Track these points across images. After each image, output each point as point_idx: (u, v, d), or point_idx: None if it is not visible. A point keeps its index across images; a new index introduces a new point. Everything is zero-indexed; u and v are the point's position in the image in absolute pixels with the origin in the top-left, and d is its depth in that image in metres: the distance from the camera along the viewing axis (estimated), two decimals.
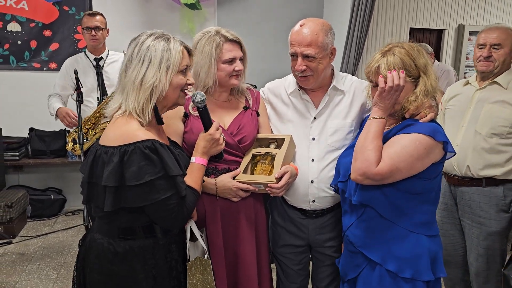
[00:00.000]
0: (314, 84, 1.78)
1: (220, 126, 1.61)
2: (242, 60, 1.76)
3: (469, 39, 5.10)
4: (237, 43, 1.74)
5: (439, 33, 5.08)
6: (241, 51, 1.75)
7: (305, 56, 1.70)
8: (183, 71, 1.44)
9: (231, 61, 1.71)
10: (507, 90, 2.20)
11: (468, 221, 2.32)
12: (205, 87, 1.72)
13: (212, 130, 1.56)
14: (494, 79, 2.26)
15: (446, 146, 1.52)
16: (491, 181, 2.23)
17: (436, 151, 1.50)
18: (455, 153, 1.54)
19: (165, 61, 1.38)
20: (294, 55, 1.74)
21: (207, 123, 1.58)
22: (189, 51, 1.47)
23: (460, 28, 5.05)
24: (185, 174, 1.46)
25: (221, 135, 1.58)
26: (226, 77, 1.72)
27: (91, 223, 2.49)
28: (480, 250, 2.28)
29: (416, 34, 4.99)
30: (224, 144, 1.60)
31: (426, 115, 1.54)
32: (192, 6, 4.32)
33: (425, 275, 1.52)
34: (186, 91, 1.50)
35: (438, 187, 1.61)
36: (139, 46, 1.39)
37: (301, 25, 1.72)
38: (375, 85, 1.58)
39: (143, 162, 1.31)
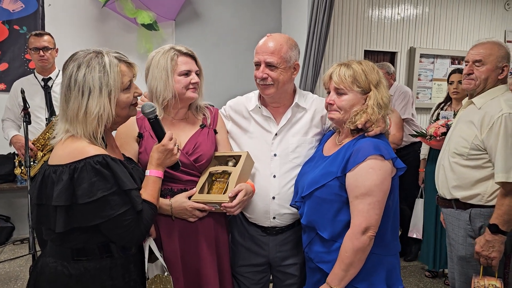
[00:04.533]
0: (274, 95, 1.78)
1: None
2: (198, 74, 1.77)
3: (420, 61, 5.34)
4: (192, 57, 1.75)
5: (392, 55, 5.29)
6: (196, 66, 1.77)
7: (268, 65, 1.72)
8: (128, 88, 1.40)
9: (187, 73, 1.72)
10: (480, 110, 2.04)
11: (448, 242, 2.28)
12: (164, 100, 1.70)
13: (165, 140, 1.52)
14: (472, 99, 2.13)
15: (395, 161, 1.54)
16: (460, 204, 2.13)
17: (388, 167, 1.51)
18: (405, 167, 1.56)
19: (105, 87, 1.33)
20: (258, 64, 1.76)
21: (159, 134, 1.54)
22: (129, 64, 1.42)
23: (412, 51, 5.28)
24: (140, 188, 1.42)
25: (175, 145, 1.55)
26: (183, 89, 1.71)
27: (38, 251, 2.35)
28: (455, 274, 2.20)
29: (371, 56, 5.17)
30: (179, 154, 1.57)
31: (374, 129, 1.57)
32: (149, 27, 4.28)
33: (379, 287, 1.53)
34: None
35: (394, 206, 1.59)
36: (74, 76, 1.32)
37: (267, 36, 1.77)
38: (328, 91, 1.63)
39: (94, 178, 1.26)
